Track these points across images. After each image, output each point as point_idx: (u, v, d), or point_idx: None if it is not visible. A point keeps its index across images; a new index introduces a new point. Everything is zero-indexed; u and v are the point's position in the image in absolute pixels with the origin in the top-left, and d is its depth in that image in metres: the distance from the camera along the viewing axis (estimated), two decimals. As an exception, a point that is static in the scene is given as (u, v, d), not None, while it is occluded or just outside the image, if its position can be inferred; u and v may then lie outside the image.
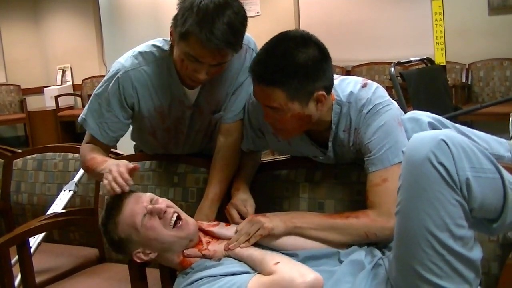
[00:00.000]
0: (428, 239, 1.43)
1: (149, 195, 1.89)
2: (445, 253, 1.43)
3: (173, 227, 1.84)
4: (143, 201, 1.85)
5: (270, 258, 1.73)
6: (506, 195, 1.45)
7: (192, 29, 1.85)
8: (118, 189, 1.85)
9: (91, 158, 2.15)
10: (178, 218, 1.86)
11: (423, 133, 1.50)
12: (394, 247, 1.56)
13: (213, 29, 1.83)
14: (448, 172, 1.41)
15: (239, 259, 1.82)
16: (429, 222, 1.43)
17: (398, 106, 2.00)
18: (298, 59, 1.78)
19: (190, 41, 1.88)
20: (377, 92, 1.92)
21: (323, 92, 1.82)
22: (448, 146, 1.42)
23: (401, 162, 1.69)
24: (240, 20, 1.91)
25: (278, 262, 1.68)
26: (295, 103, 1.81)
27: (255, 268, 1.75)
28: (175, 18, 1.93)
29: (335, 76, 2.00)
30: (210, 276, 1.73)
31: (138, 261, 1.85)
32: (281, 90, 1.79)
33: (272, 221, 1.86)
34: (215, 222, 1.99)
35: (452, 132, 1.50)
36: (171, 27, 1.97)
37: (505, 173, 1.47)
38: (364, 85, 1.93)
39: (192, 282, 1.74)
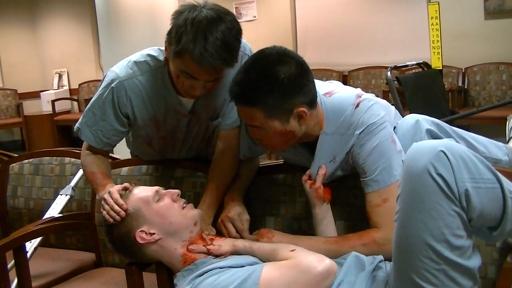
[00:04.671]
0: (425, 249, 1.43)
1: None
2: (442, 262, 1.43)
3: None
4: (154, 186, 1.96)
5: (284, 246, 1.77)
6: (505, 204, 1.44)
7: (186, 47, 1.84)
8: (117, 217, 1.90)
9: (91, 173, 2.24)
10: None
11: (422, 143, 1.48)
12: (393, 254, 1.56)
13: (207, 47, 1.82)
14: (447, 183, 1.40)
15: (247, 253, 1.84)
16: (427, 232, 1.42)
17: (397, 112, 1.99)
18: (273, 77, 1.77)
19: (185, 59, 1.88)
20: (370, 110, 1.88)
21: (303, 109, 1.81)
22: (447, 157, 1.41)
23: (397, 180, 1.70)
24: (234, 35, 1.89)
25: (294, 249, 1.72)
26: (275, 121, 1.81)
27: (266, 259, 1.78)
28: (169, 35, 1.92)
29: (330, 89, 1.98)
30: (219, 268, 1.74)
31: (141, 241, 1.85)
32: (259, 109, 1.79)
33: (278, 239, 1.92)
34: (211, 236, 1.97)
35: (451, 142, 1.49)
36: (165, 42, 1.96)
37: (504, 182, 1.46)
38: (357, 105, 1.89)
39: (201, 274, 1.74)
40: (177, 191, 1.94)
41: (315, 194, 1.98)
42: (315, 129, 1.93)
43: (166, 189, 1.96)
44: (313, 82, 1.87)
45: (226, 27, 1.86)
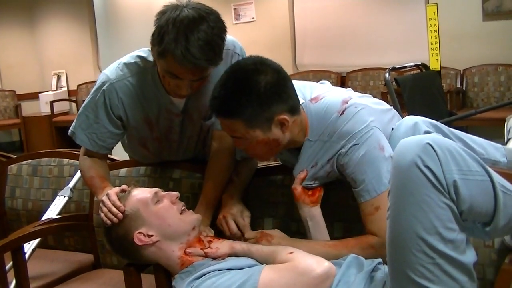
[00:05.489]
0: (418, 243, 1.43)
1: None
2: (436, 256, 1.43)
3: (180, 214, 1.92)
4: (153, 188, 1.96)
5: (282, 249, 1.78)
6: (497, 197, 1.45)
7: (168, 47, 1.84)
8: (115, 219, 1.89)
9: (89, 178, 2.25)
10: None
11: (410, 138, 1.49)
12: (387, 252, 1.56)
13: (189, 47, 1.82)
14: (435, 175, 1.41)
15: (246, 255, 1.84)
16: (418, 225, 1.42)
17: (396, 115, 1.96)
18: (250, 87, 1.77)
19: (168, 60, 1.89)
20: (355, 117, 1.86)
21: (284, 116, 1.81)
22: (434, 149, 1.42)
23: (388, 187, 1.71)
24: (217, 33, 1.89)
25: (293, 252, 1.73)
26: (256, 130, 1.81)
27: (265, 261, 1.78)
28: (153, 36, 1.93)
29: (318, 94, 1.97)
30: (218, 270, 1.75)
31: (138, 243, 1.85)
32: (239, 120, 1.79)
33: (277, 242, 1.92)
34: (209, 238, 1.97)
35: (438, 136, 1.50)
36: (150, 43, 1.97)
37: (494, 175, 1.46)
38: (342, 113, 1.87)
39: (200, 277, 1.75)
40: (176, 193, 1.95)
41: (293, 195, 2.00)
42: (299, 136, 1.93)
43: (165, 191, 1.96)
44: (293, 88, 1.87)
45: (208, 26, 1.86)
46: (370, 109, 1.91)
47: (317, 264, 1.66)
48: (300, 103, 1.91)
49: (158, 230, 1.86)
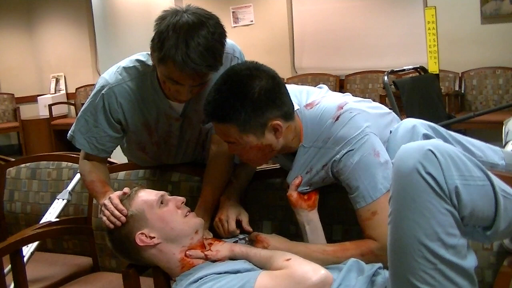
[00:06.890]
0: (420, 249, 1.43)
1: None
2: (437, 262, 1.43)
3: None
4: (160, 191, 1.97)
5: (280, 255, 1.77)
6: (497, 202, 1.45)
7: (169, 53, 1.84)
8: (118, 223, 1.90)
9: (90, 182, 2.25)
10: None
11: (411, 144, 1.49)
12: (389, 258, 1.56)
13: (189, 53, 1.82)
14: (437, 181, 1.40)
15: (244, 258, 1.85)
16: (420, 232, 1.42)
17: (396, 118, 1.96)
18: (244, 93, 1.77)
19: (168, 66, 1.88)
20: (350, 123, 1.85)
21: (278, 122, 1.81)
22: (435, 155, 1.42)
23: (384, 193, 1.74)
24: (217, 39, 1.89)
25: (290, 259, 1.73)
26: (250, 135, 1.81)
27: (262, 266, 1.79)
28: (152, 41, 1.92)
29: (313, 99, 1.97)
30: (215, 273, 1.75)
31: (140, 243, 1.86)
32: (232, 125, 1.79)
33: (275, 246, 1.91)
34: (209, 240, 1.98)
35: (439, 141, 1.50)
36: (150, 49, 1.96)
37: (495, 180, 1.47)
38: (337, 119, 1.86)
39: (197, 280, 1.75)
40: (182, 198, 1.96)
41: (289, 201, 2.00)
42: (293, 142, 1.93)
43: (170, 195, 1.97)
44: (287, 94, 1.87)
45: (208, 31, 1.86)
46: (366, 114, 1.91)
47: (313, 272, 1.65)
48: (295, 109, 1.91)
49: (161, 232, 1.87)
